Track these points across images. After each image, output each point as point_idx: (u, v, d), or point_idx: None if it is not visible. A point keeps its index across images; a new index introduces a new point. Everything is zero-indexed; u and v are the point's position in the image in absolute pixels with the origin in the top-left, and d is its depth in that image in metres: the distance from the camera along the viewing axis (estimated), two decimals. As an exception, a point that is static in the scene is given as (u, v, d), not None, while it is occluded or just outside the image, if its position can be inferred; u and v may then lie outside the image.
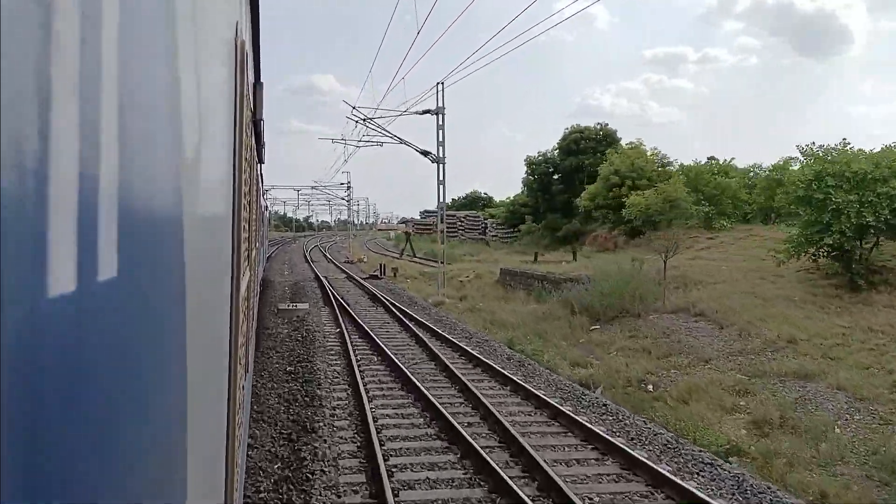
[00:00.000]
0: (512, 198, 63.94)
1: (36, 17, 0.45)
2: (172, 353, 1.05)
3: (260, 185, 9.18)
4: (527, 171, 55.04)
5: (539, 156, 52.44)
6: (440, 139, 25.77)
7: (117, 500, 0.71)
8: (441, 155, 26.08)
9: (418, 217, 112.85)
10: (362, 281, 28.32)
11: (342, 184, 60.77)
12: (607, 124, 50.31)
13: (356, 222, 62.75)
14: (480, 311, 21.64)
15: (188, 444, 1.20)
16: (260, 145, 6.10)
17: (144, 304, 0.84)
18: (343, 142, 35.66)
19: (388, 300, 21.23)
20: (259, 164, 7.27)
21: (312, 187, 65.05)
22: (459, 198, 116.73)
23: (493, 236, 61.68)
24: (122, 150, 0.68)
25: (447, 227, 69.17)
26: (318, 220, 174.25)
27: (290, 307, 17.46)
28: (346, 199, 60.71)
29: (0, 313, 0.39)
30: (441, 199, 27.31)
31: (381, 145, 24.92)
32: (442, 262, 28.01)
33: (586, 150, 48.04)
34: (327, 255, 53.62)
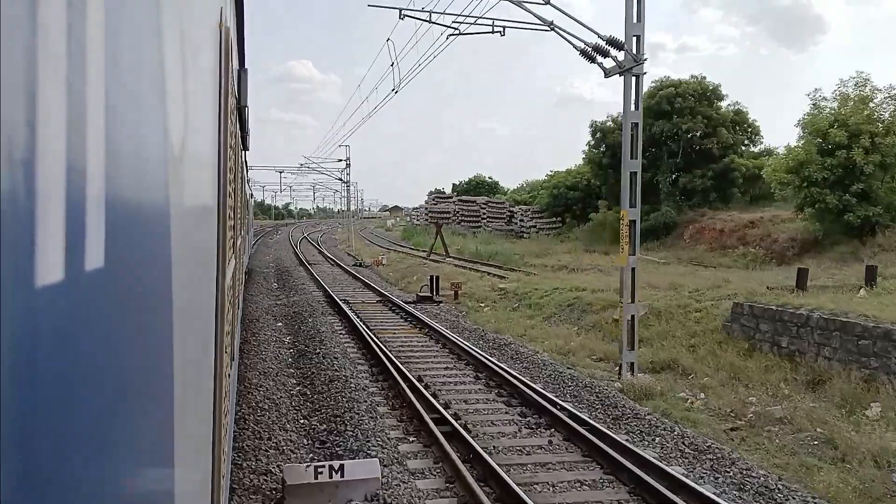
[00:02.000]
0: (552, 179, 51.62)
1: (21, 2, 0.45)
2: (160, 342, 1.07)
3: (245, 172, 10.07)
4: (590, 143, 42.62)
5: (609, 119, 40.11)
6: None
7: (109, 486, 0.73)
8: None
9: (424, 202, 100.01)
10: (417, 314, 15.89)
11: (340, 160, 48.30)
12: (704, 77, 38.00)
13: (349, 209, 50.34)
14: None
15: (175, 431, 1.20)
16: (245, 132, 6.21)
17: (132, 294, 0.85)
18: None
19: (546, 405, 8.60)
20: (244, 152, 7.46)
21: (301, 165, 52.41)
22: (461, 182, 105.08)
23: (529, 227, 49.50)
24: (109, 137, 0.68)
25: (465, 216, 56.71)
26: (297, 208, 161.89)
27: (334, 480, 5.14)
28: (345, 178, 48.14)
29: None
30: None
31: (501, 33, 11.96)
32: (514, 269, 16.27)
33: (683, 110, 35.75)
34: (323, 250, 41.15)
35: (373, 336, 12.82)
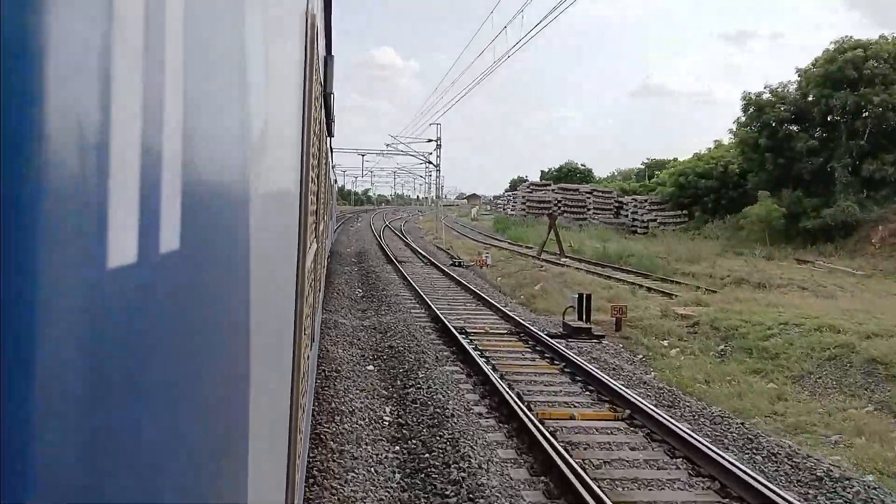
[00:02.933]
0: (675, 165, 44.24)
1: None
2: (236, 323, 1.06)
3: (329, 158, 9.41)
4: (739, 121, 35.09)
5: (767, 91, 32.51)
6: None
7: (181, 466, 0.73)
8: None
9: (505, 190, 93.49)
10: (583, 364, 9.79)
11: (429, 140, 42.72)
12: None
13: (432, 196, 44.59)
14: None
15: (251, 414, 1.20)
16: (330, 119, 6.22)
17: (208, 275, 0.85)
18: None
19: None
20: (329, 138, 7.33)
21: (388, 145, 47.17)
22: (551, 170, 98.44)
23: (647, 221, 42.46)
24: (187, 121, 0.68)
25: (568, 206, 49.74)
26: (375, 194, 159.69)
27: None
28: (434, 160, 42.48)
29: (60, 285, 0.40)
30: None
31: None
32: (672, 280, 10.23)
33: (873, 79, 27.89)
34: (410, 242, 35.76)
35: (539, 427, 6.95)
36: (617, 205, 50.48)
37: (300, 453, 2.72)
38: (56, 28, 0.39)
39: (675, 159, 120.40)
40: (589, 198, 49.38)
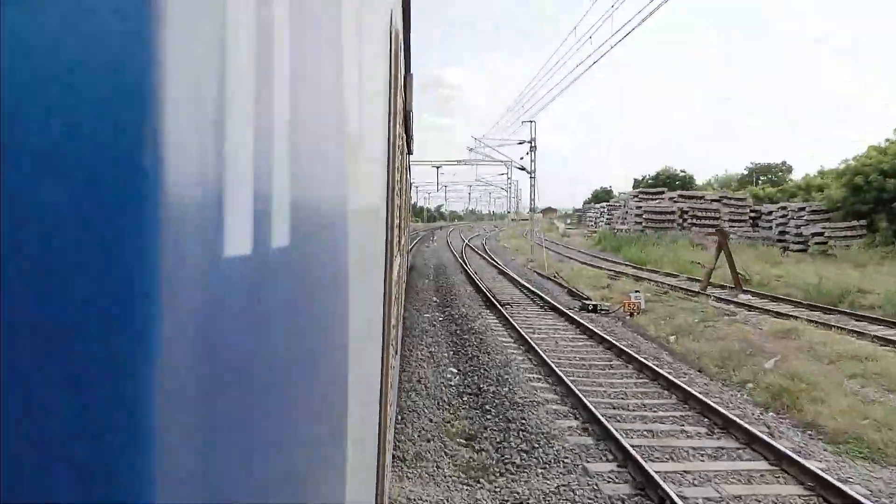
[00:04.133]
0: (846, 165, 34.08)
1: (214, 15, 0.48)
2: (337, 326, 1.09)
3: (409, 174, 10.26)
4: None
5: None
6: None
7: (288, 466, 0.75)
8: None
9: (583, 202, 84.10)
10: None
11: (521, 142, 34.56)
12: None
13: (513, 210, 35.98)
14: None
15: (348, 422, 1.21)
16: (409, 136, 6.36)
17: (313, 275, 0.88)
18: None
19: None
20: (409, 156, 7.97)
21: (470, 149, 39.25)
22: (646, 177, 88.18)
23: (807, 235, 32.55)
24: (293, 129, 0.72)
25: (697, 218, 39.57)
26: (447, 210, 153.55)
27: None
28: (529, 166, 34.18)
29: (180, 271, 0.42)
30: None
31: None
32: None
33: None
34: (503, 268, 27.52)
35: None
36: (753, 214, 40.58)
37: (387, 464, 2.80)
38: (180, 46, 0.41)
39: (784, 162, 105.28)
40: (719, 207, 39.66)
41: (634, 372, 10.52)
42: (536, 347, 11.55)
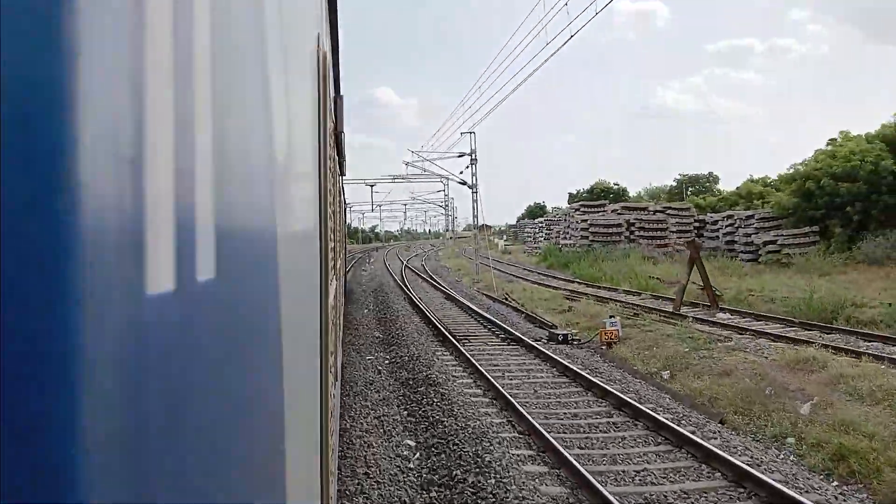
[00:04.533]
0: (795, 169, 33.50)
1: (131, 20, 0.47)
2: (270, 357, 1.06)
3: (342, 197, 10.13)
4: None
5: None
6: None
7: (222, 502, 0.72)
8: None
9: (517, 219, 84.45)
10: None
11: (460, 154, 32.42)
12: None
13: (450, 229, 33.62)
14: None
15: (286, 449, 1.19)
16: (342, 158, 6.64)
17: (243, 306, 0.85)
18: None
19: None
20: (341, 177, 7.94)
21: (407, 163, 36.73)
22: (580, 191, 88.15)
23: (765, 244, 31.68)
24: (217, 154, 0.70)
25: (644, 230, 38.10)
26: (382, 231, 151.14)
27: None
28: (469, 179, 32.06)
29: (101, 311, 0.40)
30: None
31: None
32: None
33: None
34: (450, 292, 25.26)
35: None
36: (697, 224, 39.67)
37: (332, 496, 2.76)
38: (93, 69, 0.39)
39: (711, 173, 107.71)
40: (665, 217, 38.44)
41: (648, 434, 8.11)
42: (514, 402, 9.01)
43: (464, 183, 33.47)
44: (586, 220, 39.24)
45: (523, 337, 14.57)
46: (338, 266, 5.55)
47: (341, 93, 5.27)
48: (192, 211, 0.60)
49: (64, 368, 0.37)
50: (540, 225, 64.19)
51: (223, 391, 0.73)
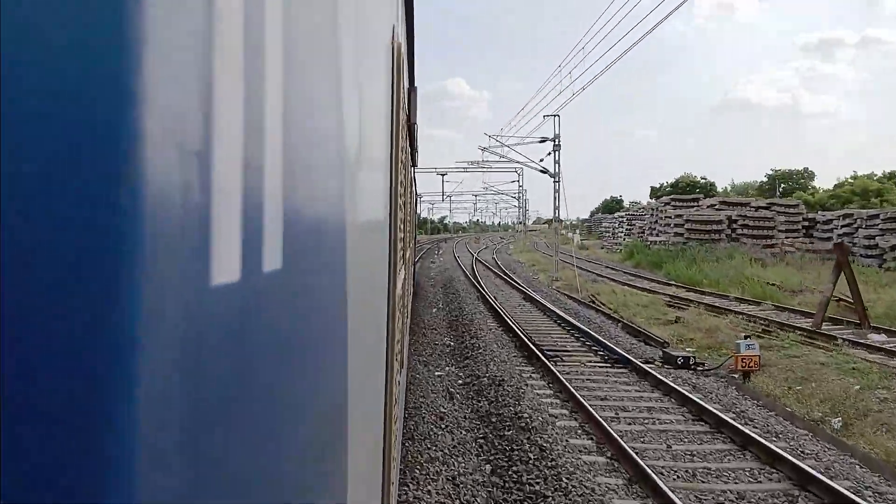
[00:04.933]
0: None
1: (200, 10, 0.46)
2: (335, 347, 1.08)
3: (414, 187, 9.58)
4: None
5: None
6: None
7: (281, 495, 0.72)
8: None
9: (591, 213, 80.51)
10: None
11: (542, 140, 29.51)
12: None
13: (556, 217, 30.31)
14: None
15: (349, 437, 1.21)
16: (413, 149, 6.28)
17: (309, 297, 0.86)
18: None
19: None
20: (413, 168, 7.59)
21: (483, 148, 34.04)
22: (663, 185, 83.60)
23: (887, 247, 27.29)
24: (287, 146, 0.69)
25: (749, 228, 33.44)
26: (451, 222, 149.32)
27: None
28: (552, 169, 29.10)
29: (164, 302, 0.41)
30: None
31: None
32: None
33: None
34: (523, 288, 22.39)
35: None
36: (806, 223, 35.24)
37: (394, 481, 2.70)
38: (165, 60, 0.40)
39: (806, 169, 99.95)
40: (773, 215, 34.11)
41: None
42: (649, 471, 6.23)
43: (545, 171, 30.48)
44: (681, 216, 35.34)
45: (630, 357, 11.69)
46: (407, 256, 5.54)
47: (415, 84, 5.24)
48: (259, 202, 0.60)
49: (124, 361, 0.37)
50: (620, 220, 60.25)
51: (288, 380, 0.74)
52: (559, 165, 29.58)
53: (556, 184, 29.98)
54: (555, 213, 31.10)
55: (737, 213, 34.55)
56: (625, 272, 32.30)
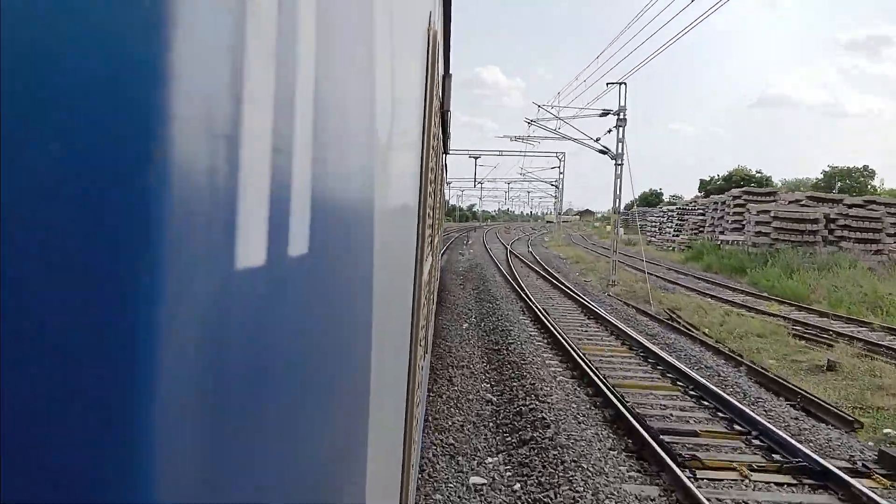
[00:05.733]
0: None
1: (234, 10, 0.46)
2: (359, 331, 1.09)
3: (444, 175, 9.47)
4: None
5: None
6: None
7: (302, 477, 0.73)
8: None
9: (624, 206, 74.59)
10: None
11: (603, 113, 24.10)
12: None
13: (616, 206, 25.02)
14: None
15: (370, 420, 1.22)
16: (446, 136, 6.25)
17: (335, 282, 0.87)
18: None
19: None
20: (445, 155, 7.54)
21: (530, 121, 28.76)
22: (714, 178, 77.78)
23: None
24: (317, 132, 0.70)
25: (849, 230, 27.16)
26: (480, 209, 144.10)
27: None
28: (616, 148, 23.60)
29: (192, 284, 0.41)
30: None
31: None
32: None
33: None
34: (578, 296, 17.17)
35: None
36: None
37: (413, 463, 2.77)
38: (193, 39, 0.40)
39: (866, 167, 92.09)
40: (881, 215, 28.06)
41: None
42: None
43: (604, 151, 25.00)
44: (767, 212, 29.44)
45: (831, 467, 6.40)
46: (434, 243, 5.43)
47: (450, 72, 5.25)
48: (287, 186, 0.60)
49: (150, 346, 0.37)
50: (669, 213, 54.32)
51: (312, 364, 0.75)
52: (623, 145, 24.10)
53: (619, 167, 24.51)
54: (615, 202, 25.61)
55: (836, 212, 28.57)
56: (696, 277, 26.76)
